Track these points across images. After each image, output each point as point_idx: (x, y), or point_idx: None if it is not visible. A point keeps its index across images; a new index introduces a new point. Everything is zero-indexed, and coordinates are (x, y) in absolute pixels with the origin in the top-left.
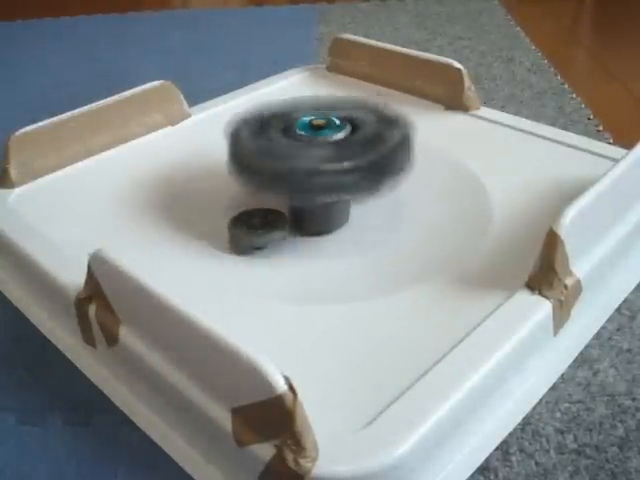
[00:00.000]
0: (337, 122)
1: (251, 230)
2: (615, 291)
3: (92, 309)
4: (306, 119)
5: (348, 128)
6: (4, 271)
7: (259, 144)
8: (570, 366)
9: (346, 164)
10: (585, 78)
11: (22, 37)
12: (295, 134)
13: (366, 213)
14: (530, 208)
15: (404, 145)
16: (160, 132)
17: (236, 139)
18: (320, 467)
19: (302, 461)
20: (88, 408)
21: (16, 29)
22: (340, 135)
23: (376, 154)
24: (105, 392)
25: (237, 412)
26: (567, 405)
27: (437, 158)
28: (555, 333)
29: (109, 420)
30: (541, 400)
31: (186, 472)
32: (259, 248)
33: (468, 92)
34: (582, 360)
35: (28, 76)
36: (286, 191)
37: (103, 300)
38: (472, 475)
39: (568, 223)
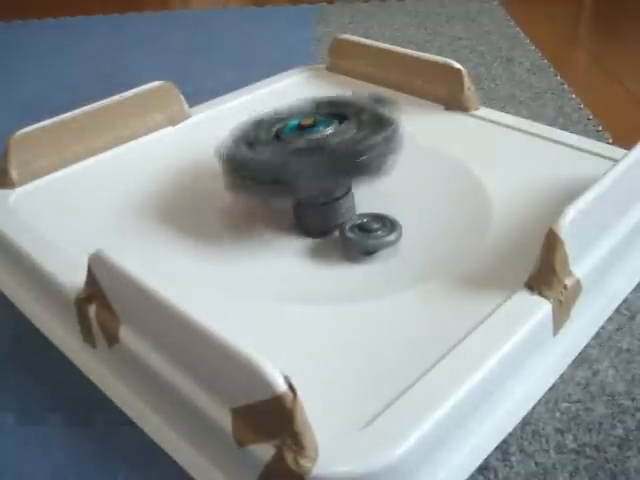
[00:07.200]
0: (323, 119)
1: (366, 234)
2: (615, 291)
3: (92, 309)
4: (294, 122)
5: (335, 124)
6: (4, 271)
7: (251, 156)
8: (570, 366)
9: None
10: (585, 78)
11: (22, 37)
12: (285, 137)
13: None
14: (530, 208)
15: (388, 140)
16: (160, 132)
17: (230, 157)
18: (320, 467)
19: (302, 461)
20: (88, 408)
21: (16, 29)
22: (328, 131)
23: (360, 145)
24: (105, 392)
25: (237, 412)
26: (567, 405)
27: (437, 158)
28: (555, 333)
29: (109, 420)
30: (541, 400)
31: (186, 472)
32: (371, 253)
33: (468, 92)
34: (582, 360)
35: (28, 76)
36: (285, 194)
37: (103, 300)
38: (472, 475)
39: (568, 224)
